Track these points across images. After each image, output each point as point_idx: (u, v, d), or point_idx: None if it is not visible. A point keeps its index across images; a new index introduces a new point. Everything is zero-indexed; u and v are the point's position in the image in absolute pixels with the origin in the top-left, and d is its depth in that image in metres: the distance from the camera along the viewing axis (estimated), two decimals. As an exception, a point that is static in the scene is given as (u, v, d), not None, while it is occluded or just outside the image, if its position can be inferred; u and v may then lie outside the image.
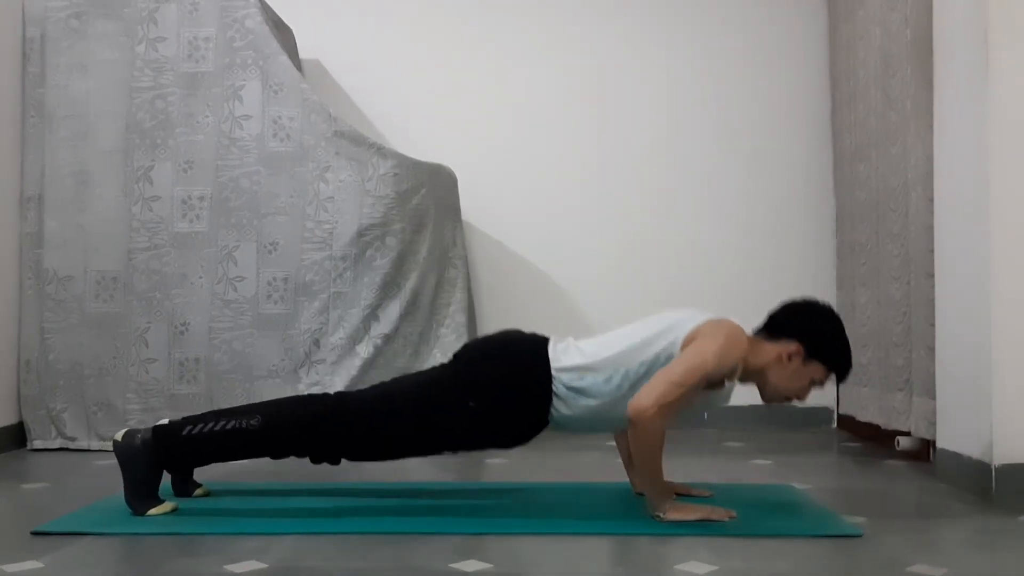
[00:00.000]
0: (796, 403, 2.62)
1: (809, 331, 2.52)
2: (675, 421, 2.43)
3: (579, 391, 2.48)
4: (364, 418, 2.51)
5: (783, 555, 2.15)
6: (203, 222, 3.70)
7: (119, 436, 2.53)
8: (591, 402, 2.48)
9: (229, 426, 2.50)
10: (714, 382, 2.46)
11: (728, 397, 2.57)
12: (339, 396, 2.60)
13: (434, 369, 2.66)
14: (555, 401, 2.50)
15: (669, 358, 2.44)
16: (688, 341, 2.45)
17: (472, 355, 2.59)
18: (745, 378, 2.53)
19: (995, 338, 2.68)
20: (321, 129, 3.68)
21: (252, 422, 2.50)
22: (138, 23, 3.75)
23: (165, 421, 2.69)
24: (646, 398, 2.35)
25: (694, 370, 2.37)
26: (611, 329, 2.62)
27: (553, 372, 2.49)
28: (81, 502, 2.68)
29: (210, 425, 2.51)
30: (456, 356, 2.63)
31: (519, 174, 4.35)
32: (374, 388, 2.64)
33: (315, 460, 2.55)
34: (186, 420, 2.58)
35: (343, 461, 2.56)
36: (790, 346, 2.50)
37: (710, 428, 4.27)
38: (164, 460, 2.54)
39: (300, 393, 3.61)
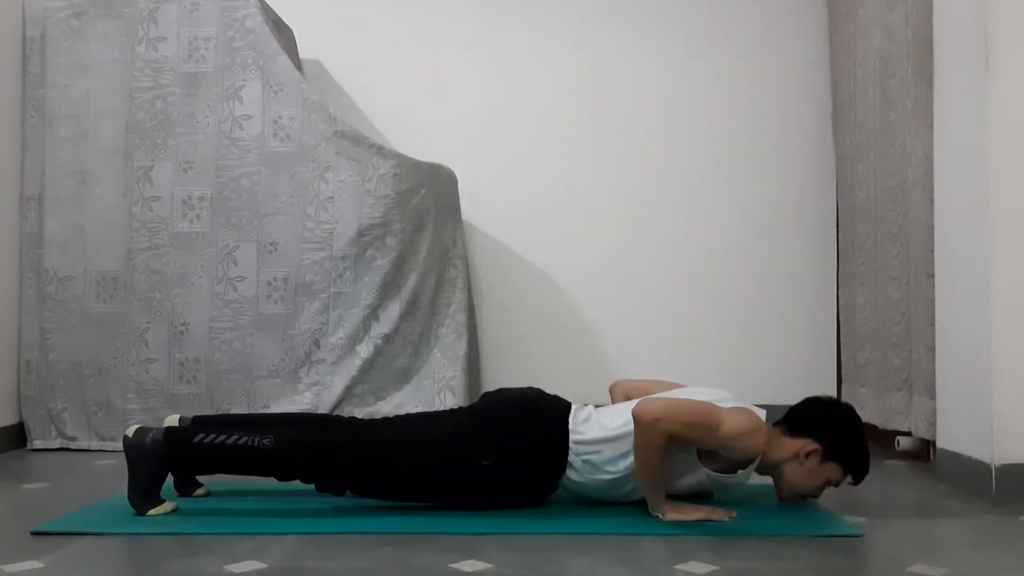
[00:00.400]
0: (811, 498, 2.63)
1: (829, 432, 2.52)
2: (671, 456, 2.43)
3: (593, 465, 2.51)
4: (377, 459, 2.51)
5: (783, 555, 2.15)
6: (203, 222, 3.70)
7: (130, 432, 2.52)
8: (603, 477, 2.51)
9: (241, 441, 2.49)
10: (726, 466, 2.48)
11: (741, 484, 2.57)
12: (354, 430, 2.58)
13: (454, 417, 2.65)
14: (568, 471, 2.52)
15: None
16: None
17: (492, 412, 2.59)
18: (762, 470, 2.55)
19: (995, 338, 2.68)
20: (321, 129, 3.68)
21: (265, 442, 2.49)
22: (138, 23, 3.75)
23: (175, 420, 2.70)
24: (654, 405, 2.40)
25: (710, 416, 2.40)
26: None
27: (571, 444, 2.51)
28: (81, 502, 2.68)
29: (222, 437, 2.50)
30: (478, 410, 2.62)
31: (519, 174, 4.35)
32: (391, 426, 2.64)
33: (320, 489, 2.55)
34: (198, 425, 2.58)
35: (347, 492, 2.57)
36: (809, 445, 2.50)
37: (710, 428, 4.26)
38: (172, 463, 2.55)
39: (300, 394, 3.62)
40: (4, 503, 2.77)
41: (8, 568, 2.04)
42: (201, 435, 2.51)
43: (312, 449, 2.51)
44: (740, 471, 2.51)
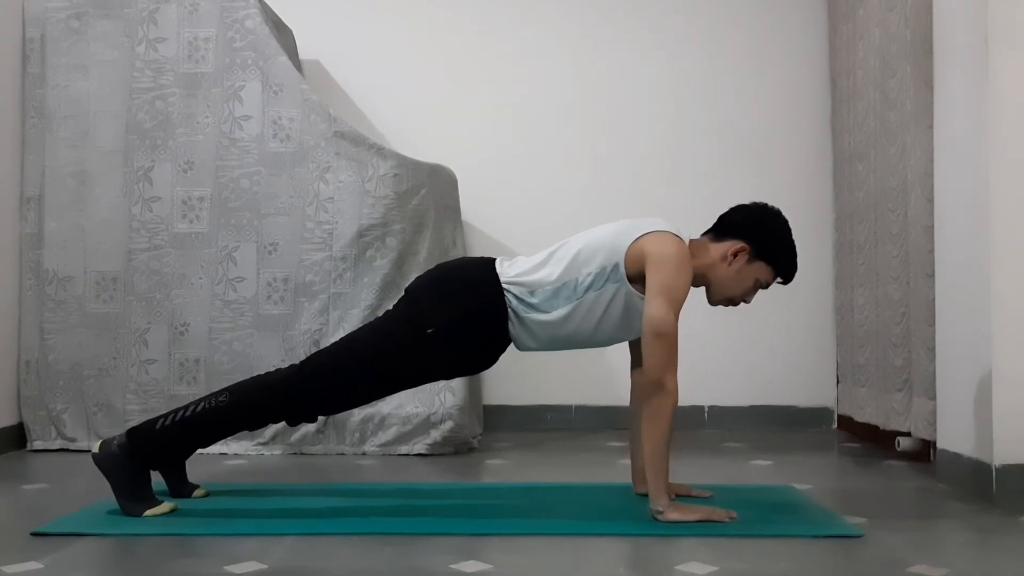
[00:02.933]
0: (743, 304, 2.63)
1: (756, 231, 2.53)
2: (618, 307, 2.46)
3: (530, 305, 2.50)
4: (328, 368, 2.53)
5: (783, 555, 2.15)
6: (203, 222, 3.70)
7: (96, 448, 2.54)
8: (544, 316, 2.50)
9: (199, 409, 2.52)
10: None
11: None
12: (304, 359, 2.61)
13: (390, 310, 2.66)
14: (510, 315, 2.51)
15: (615, 268, 2.46)
16: (634, 252, 2.46)
17: (422, 284, 2.61)
18: (693, 281, 2.53)
19: (995, 338, 2.68)
20: (321, 129, 3.68)
21: (221, 399, 2.52)
22: (138, 23, 3.75)
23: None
24: (657, 307, 2.37)
25: (680, 265, 2.41)
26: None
27: (503, 285, 2.51)
28: (81, 503, 2.68)
29: (180, 413, 2.54)
30: (407, 290, 2.64)
31: (519, 174, 4.35)
32: (336, 342, 2.65)
33: (292, 422, 2.56)
34: (158, 416, 2.59)
35: (320, 419, 2.56)
36: (735, 245, 2.52)
37: (710, 428, 4.27)
38: (144, 458, 2.54)
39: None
40: (4, 504, 2.77)
41: (8, 569, 2.04)
42: (161, 420, 2.54)
43: (268, 387, 2.53)
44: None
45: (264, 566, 2.06)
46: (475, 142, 4.33)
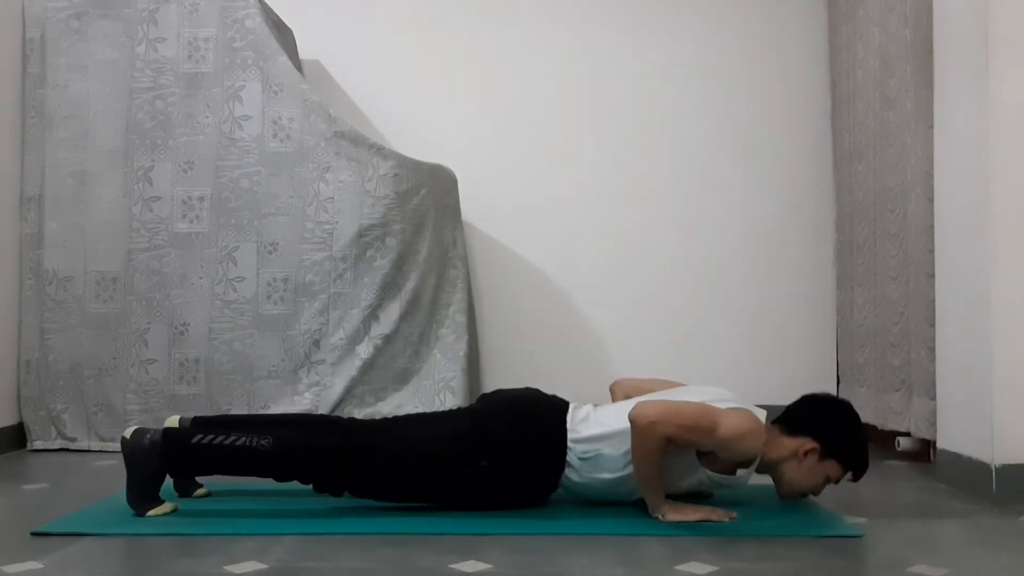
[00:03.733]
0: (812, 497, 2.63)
1: (828, 430, 2.51)
2: (671, 458, 2.43)
3: (592, 464, 2.50)
4: (375, 460, 2.51)
5: (783, 555, 2.15)
6: (203, 222, 3.70)
7: (128, 433, 2.52)
8: (603, 475, 2.51)
9: (239, 443, 2.49)
10: (726, 466, 2.48)
11: (742, 484, 2.57)
12: (352, 431, 2.57)
13: (451, 417, 2.65)
14: (567, 470, 2.52)
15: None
16: None
17: (491, 413, 2.59)
18: (761, 469, 2.54)
19: (995, 338, 2.68)
20: (321, 129, 3.68)
21: (263, 443, 2.49)
22: (138, 23, 3.75)
23: (175, 421, 2.69)
24: (651, 408, 2.39)
25: (707, 418, 2.39)
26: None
27: (569, 443, 2.50)
28: (81, 503, 2.68)
29: (220, 438, 2.50)
30: (476, 411, 2.62)
31: (519, 174, 4.35)
32: (389, 427, 2.63)
33: (318, 490, 2.54)
34: (196, 426, 2.58)
35: (345, 494, 2.56)
36: (807, 443, 2.49)
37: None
38: (170, 464, 2.54)
39: (300, 394, 3.62)
40: (4, 503, 2.77)
41: (8, 569, 2.04)
42: (199, 436, 2.51)
43: (310, 450, 2.51)
44: (740, 471, 2.51)
45: (264, 566, 2.06)
46: (475, 142, 4.33)
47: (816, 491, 2.57)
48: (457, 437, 2.53)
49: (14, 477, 3.20)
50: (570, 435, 2.51)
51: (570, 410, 2.57)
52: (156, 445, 2.49)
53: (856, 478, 2.56)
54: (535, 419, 2.55)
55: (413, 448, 2.52)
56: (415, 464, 2.52)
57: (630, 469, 2.46)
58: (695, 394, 2.54)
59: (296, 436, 2.54)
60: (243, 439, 2.50)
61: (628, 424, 2.44)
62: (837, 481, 2.55)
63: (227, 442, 2.49)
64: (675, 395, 2.56)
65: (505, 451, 2.50)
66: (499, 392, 2.75)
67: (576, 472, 2.52)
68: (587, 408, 2.59)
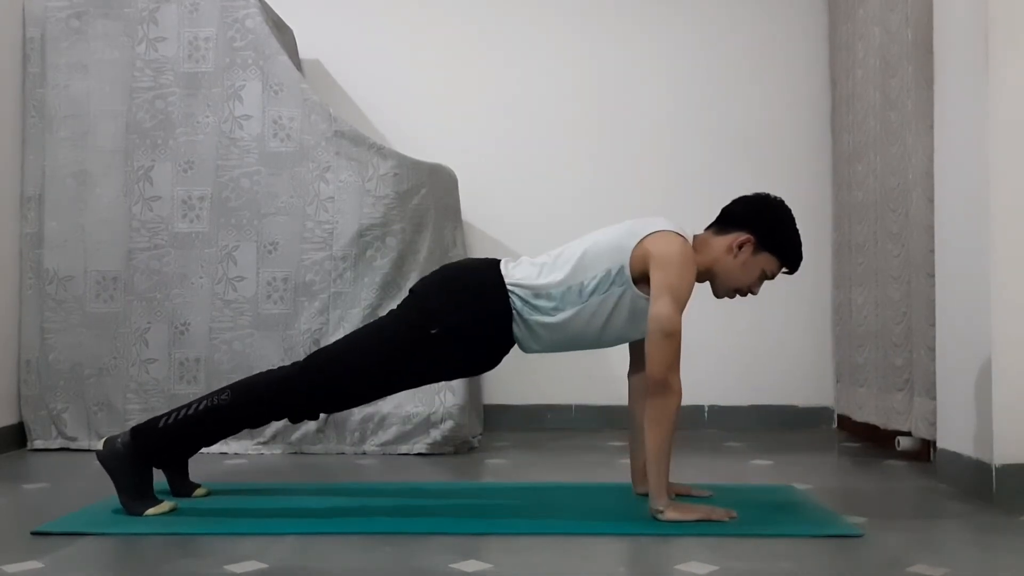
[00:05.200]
0: (750, 296, 2.61)
1: (760, 221, 2.53)
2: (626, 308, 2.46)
3: (535, 307, 2.50)
4: (332, 365, 2.53)
5: (783, 555, 2.15)
6: (203, 222, 3.70)
7: (100, 445, 2.55)
8: (549, 319, 2.50)
9: (201, 407, 2.53)
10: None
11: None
12: (305, 358, 2.62)
13: (395, 309, 2.67)
14: (515, 316, 2.51)
15: (620, 270, 2.46)
16: (638, 254, 2.46)
17: (427, 285, 2.61)
18: (698, 277, 2.53)
19: (996, 338, 2.68)
20: (321, 129, 3.68)
21: (223, 397, 2.53)
22: (138, 23, 3.75)
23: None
24: (662, 306, 2.37)
25: (684, 263, 2.42)
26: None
27: (508, 286, 2.51)
28: (81, 502, 2.68)
29: (183, 411, 2.55)
30: (412, 290, 2.64)
31: (519, 174, 4.35)
32: (340, 340, 2.66)
33: (293, 420, 2.56)
34: (161, 415, 2.59)
35: (321, 418, 2.57)
36: (740, 236, 2.52)
37: (710, 428, 4.27)
38: (148, 456, 2.55)
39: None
40: (4, 503, 2.78)
41: (8, 568, 2.04)
42: (164, 418, 2.55)
43: (270, 384, 2.54)
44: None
45: (264, 566, 2.06)
46: (475, 142, 4.33)
47: (753, 288, 2.57)
48: (400, 318, 2.56)
49: (14, 477, 3.20)
50: (507, 280, 2.51)
51: (503, 261, 2.59)
52: (128, 444, 2.51)
53: (791, 270, 2.58)
54: (471, 276, 2.58)
55: (363, 343, 2.55)
56: (370, 357, 2.52)
57: (574, 307, 2.47)
58: (612, 237, 2.53)
59: (252, 379, 2.59)
60: (204, 402, 2.54)
61: (562, 271, 2.47)
62: (773, 276, 2.56)
63: (190, 412, 2.53)
64: (593, 238, 2.55)
65: (451, 314, 2.49)
66: (433, 271, 2.75)
67: (523, 319, 2.50)
68: (521, 258, 2.62)
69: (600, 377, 4.26)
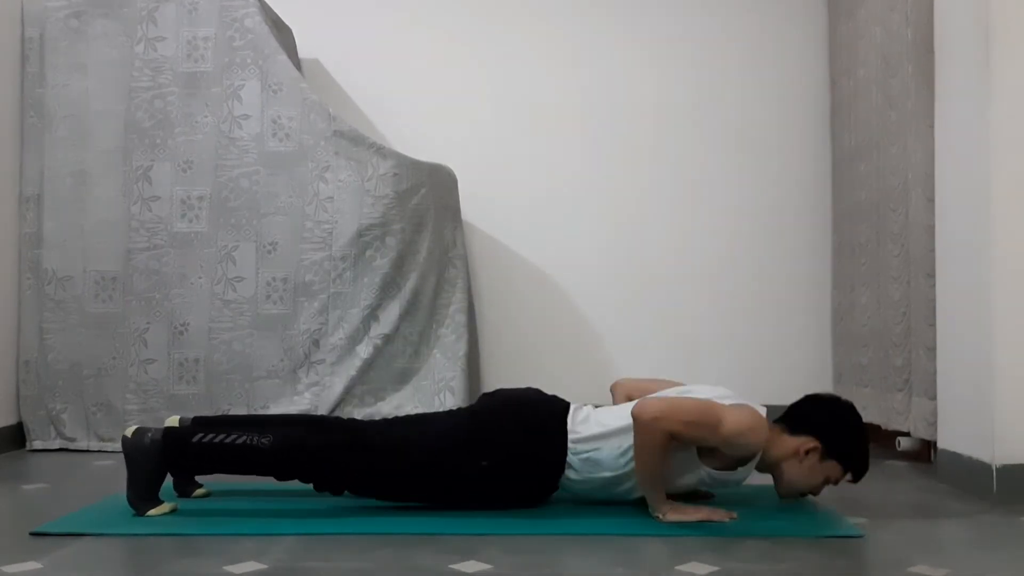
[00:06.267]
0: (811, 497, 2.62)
1: (830, 430, 2.51)
2: (671, 455, 2.42)
3: (592, 463, 2.49)
4: (376, 460, 2.51)
5: (783, 556, 2.15)
6: (202, 222, 3.70)
7: (129, 432, 2.52)
8: (603, 474, 2.50)
9: (239, 441, 2.49)
10: (726, 464, 2.48)
11: (741, 482, 2.56)
12: (353, 431, 2.58)
13: (453, 418, 2.65)
14: (567, 470, 2.51)
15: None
16: None
17: (491, 413, 2.59)
18: (762, 467, 2.54)
19: (996, 338, 2.68)
20: (320, 129, 3.67)
21: (263, 441, 2.49)
22: (137, 23, 3.74)
23: (175, 421, 2.69)
24: (653, 405, 2.39)
25: (710, 414, 2.38)
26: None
27: (569, 443, 2.50)
28: (81, 502, 2.67)
29: (221, 436, 2.50)
30: (476, 411, 2.62)
31: (519, 174, 4.34)
32: (390, 424, 2.64)
33: (318, 488, 2.54)
34: (197, 425, 2.58)
35: (345, 493, 2.56)
36: (809, 443, 2.49)
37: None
38: (170, 463, 2.54)
39: (300, 394, 3.61)
40: (4, 503, 2.77)
41: (7, 569, 2.03)
42: (200, 435, 2.50)
43: (311, 449, 2.50)
44: (740, 468, 2.50)
45: (264, 566, 2.06)
46: (475, 142, 4.32)
47: (815, 491, 2.56)
48: (457, 437, 2.53)
49: (13, 477, 3.20)
50: (570, 436, 2.51)
51: (571, 411, 2.56)
52: (157, 444, 2.49)
53: (856, 479, 2.56)
54: (536, 419, 2.55)
55: (413, 447, 2.52)
56: (415, 463, 2.51)
57: (629, 467, 2.46)
58: (696, 393, 2.53)
59: (297, 435, 2.53)
60: (244, 438, 2.49)
61: (628, 422, 2.43)
62: (836, 482, 2.54)
63: (227, 441, 2.49)
64: (676, 393, 2.56)
65: (506, 451, 2.50)
66: (500, 391, 2.74)
67: (576, 472, 2.52)
68: (587, 409, 2.59)
69: (600, 377, 4.23)
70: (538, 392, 2.66)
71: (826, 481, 2.53)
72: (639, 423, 2.37)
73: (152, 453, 2.49)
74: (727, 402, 2.47)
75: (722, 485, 2.57)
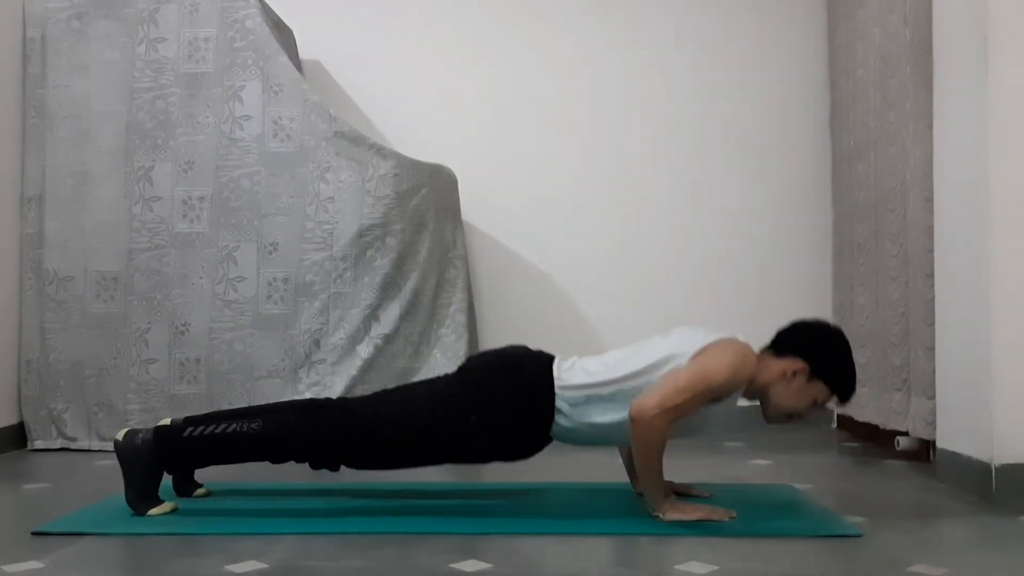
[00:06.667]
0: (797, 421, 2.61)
1: (816, 350, 2.52)
2: (676, 430, 2.42)
3: (582, 409, 2.49)
4: (367, 429, 2.51)
5: (783, 555, 2.15)
6: (203, 222, 3.70)
7: (120, 436, 2.53)
8: (593, 420, 2.50)
9: (230, 429, 2.50)
10: (716, 396, 2.47)
11: (729, 409, 2.55)
12: (343, 405, 2.59)
13: (438, 381, 2.66)
14: (557, 417, 2.51)
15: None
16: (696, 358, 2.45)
17: (476, 369, 2.60)
18: (749, 395, 2.55)
19: (994, 338, 2.68)
20: (321, 129, 3.68)
21: (253, 426, 2.50)
22: (138, 24, 3.75)
23: (167, 421, 2.70)
24: (650, 399, 2.37)
25: (701, 379, 2.38)
26: (610, 345, 2.67)
27: (556, 390, 2.50)
28: (82, 502, 2.68)
29: (211, 428, 2.51)
30: (461, 369, 2.63)
31: (519, 174, 4.35)
32: (377, 398, 2.64)
33: (315, 466, 2.55)
34: (187, 421, 2.58)
35: (342, 468, 2.56)
36: (796, 363, 2.50)
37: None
38: (165, 461, 2.55)
39: (300, 394, 3.62)
40: (4, 503, 2.78)
41: (8, 568, 2.04)
42: (190, 429, 2.52)
43: (303, 429, 2.51)
44: (725, 398, 2.49)
45: (264, 566, 2.06)
46: (475, 142, 4.33)
47: (804, 413, 2.56)
48: (444, 398, 2.54)
49: (14, 477, 3.20)
50: (557, 383, 2.50)
51: (556, 360, 2.57)
52: (148, 444, 2.50)
53: (843, 401, 2.57)
54: (521, 370, 2.56)
55: (404, 414, 2.53)
56: (407, 429, 2.52)
57: (620, 415, 2.45)
58: (679, 345, 2.49)
59: (287, 418, 2.55)
60: (233, 426, 2.51)
61: (613, 371, 2.45)
62: (823, 404, 2.55)
63: (218, 431, 2.51)
64: (647, 350, 2.52)
65: (494, 404, 2.49)
66: (487, 352, 2.75)
67: (567, 418, 2.50)
68: (573, 359, 2.58)
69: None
70: (523, 347, 2.67)
71: (813, 403, 2.53)
72: (641, 424, 2.36)
73: (144, 453, 2.50)
74: (711, 338, 2.46)
75: (711, 415, 2.54)
